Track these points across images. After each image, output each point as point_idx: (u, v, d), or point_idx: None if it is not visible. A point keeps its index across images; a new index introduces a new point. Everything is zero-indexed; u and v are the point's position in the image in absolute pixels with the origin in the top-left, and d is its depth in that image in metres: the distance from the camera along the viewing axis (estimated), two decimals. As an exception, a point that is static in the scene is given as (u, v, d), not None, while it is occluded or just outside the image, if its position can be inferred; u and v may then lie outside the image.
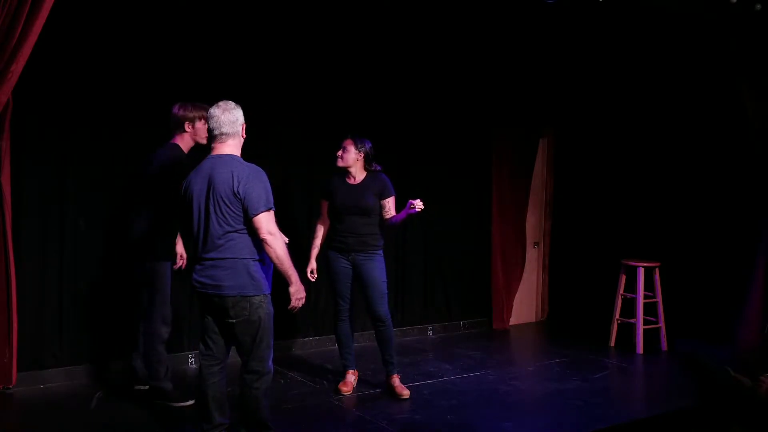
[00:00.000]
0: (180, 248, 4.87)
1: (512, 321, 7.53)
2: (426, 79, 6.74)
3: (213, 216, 3.54)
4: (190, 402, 4.57)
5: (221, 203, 3.52)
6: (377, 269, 4.90)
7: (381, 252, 4.97)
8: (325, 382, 5.25)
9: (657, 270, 6.55)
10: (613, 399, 5.20)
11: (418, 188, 6.35)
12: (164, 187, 4.45)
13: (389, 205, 4.90)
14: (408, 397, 4.92)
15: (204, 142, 4.56)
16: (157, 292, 4.55)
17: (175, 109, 4.60)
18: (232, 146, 3.65)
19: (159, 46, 5.27)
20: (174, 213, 4.44)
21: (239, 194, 3.49)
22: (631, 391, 5.70)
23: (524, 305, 7.78)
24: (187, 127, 4.58)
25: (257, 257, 3.60)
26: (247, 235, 3.57)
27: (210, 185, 3.55)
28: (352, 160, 4.87)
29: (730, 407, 4.05)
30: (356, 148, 4.86)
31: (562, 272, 7.91)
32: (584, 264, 7.58)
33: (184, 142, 4.62)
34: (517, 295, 7.55)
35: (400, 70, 6.55)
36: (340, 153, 4.88)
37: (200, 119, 4.55)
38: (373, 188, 4.88)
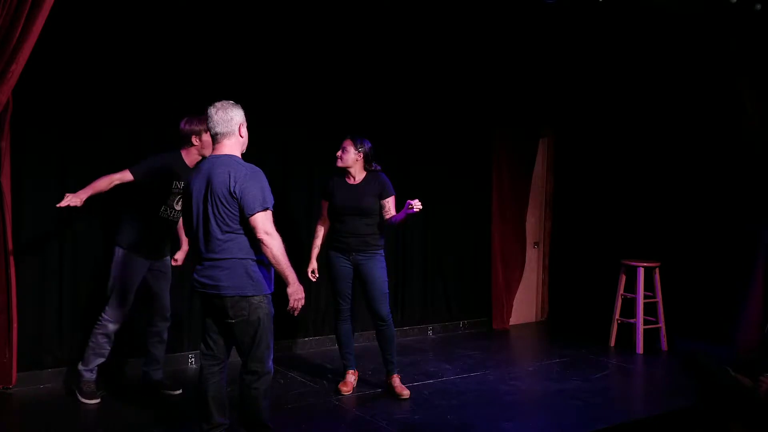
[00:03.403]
0: (179, 254, 4.94)
1: (512, 321, 7.53)
2: (426, 80, 6.74)
3: (211, 217, 3.54)
4: (96, 401, 4.59)
5: (219, 204, 3.52)
6: (378, 269, 4.90)
7: (382, 252, 4.97)
8: (325, 382, 5.25)
9: (657, 270, 6.56)
10: (613, 399, 5.20)
11: (418, 188, 6.35)
12: (147, 187, 4.52)
13: (389, 205, 4.89)
14: (408, 397, 4.92)
15: (206, 155, 4.60)
16: (116, 281, 4.61)
17: (182, 124, 4.62)
18: (229, 146, 3.65)
19: (160, 46, 5.27)
20: (157, 215, 4.58)
21: (236, 194, 3.49)
22: (631, 391, 5.70)
23: (524, 305, 7.79)
24: (195, 140, 4.60)
25: (256, 257, 3.60)
26: (245, 236, 3.57)
27: (208, 186, 3.55)
28: (352, 160, 4.87)
29: (730, 407, 4.05)
30: (355, 148, 4.86)
31: (562, 272, 7.92)
32: (584, 264, 7.59)
33: (190, 156, 4.64)
34: (517, 295, 7.55)
35: (400, 71, 6.55)
36: (339, 153, 4.88)
37: (206, 132, 4.54)
38: (372, 188, 4.88)
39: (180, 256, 4.95)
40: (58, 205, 4.23)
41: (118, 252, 4.63)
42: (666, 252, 6.73)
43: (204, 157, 4.59)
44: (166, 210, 4.62)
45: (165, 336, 4.90)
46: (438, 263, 7.07)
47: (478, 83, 7.04)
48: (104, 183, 4.43)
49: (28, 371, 4.87)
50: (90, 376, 4.65)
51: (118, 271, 4.61)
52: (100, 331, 4.61)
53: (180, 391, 4.86)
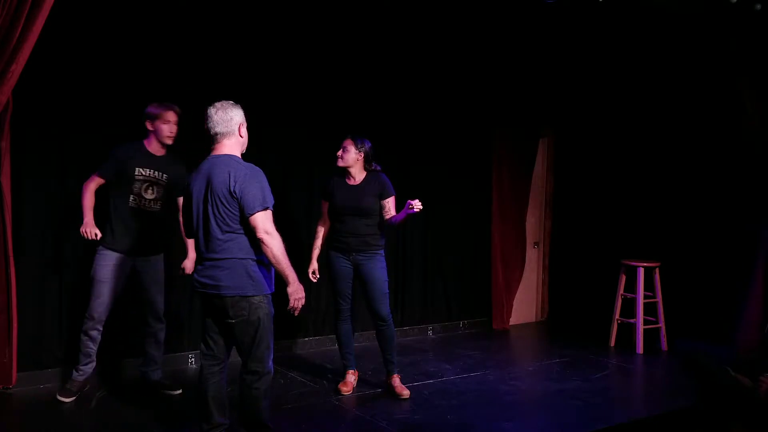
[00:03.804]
0: (187, 262, 4.80)
1: (512, 321, 7.53)
2: (426, 80, 6.75)
3: (212, 217, 3.54)
4: (68, 400, 4.59)
5: (219, 204, 3.52)
6: (378, 269, 4.89)
7: (382, 252, 4.96)
8: (325, 382, 5.25)
9: (657, 270, 6.56)
10: (613, 399, 5.20)
11: (418, 188, 6.35)
12: (114, 181, 4.58)
13: (389, 205, 4.89)
14: (408, 397, 4.92)
15: (167, 141, 4.65)
16: (92, 278, 4.61)
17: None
18: (229, 146, 3.65)
19: (160, 46, 5.27)
20: (127, 206, 4.58)
21: (236, 194, 3.49)
22: (631, 391, 5.70)
23: (524, 305, 7.79)
24: (148, 125, 4.64)
25: (256, 257, 3.60)
26: (245, 235, 3.57)
27: (208, 186, 3.55)
28: (353, 160, 4.86)
29: (730, 407, 4.05)
30: (356, 148, 4.85)
31: (562, 272, 7.92)
32: (584, 264, 7.59)
33: (152, 144, 4.67)
34: (517, 295, 7.55)
35: (400, 71, 6.56)
36: (340, 153, 4.88)
37: (159, 118, 4.60)
38: (372, 189, 4.88)
39: (188, 264, 4.79)
40: (90, 238, 4.44)
41: (97, 249, 4.63)
42: (666, 252, 6.73)
43: (165, 145, 4.67)
44: (136, 199, 4.60)
45: (161, 336, 4.87)
46: (438, 263, 7.07)
47: (478, 83, 7.04)
48: (91, 198, 4.56)
49: (28, 371, 4.87)
50: (75, 375, 4.66)
51: (94, 268, 4.62)
52: (82, 328, 4.63)
53: (180, 391, 4.86)
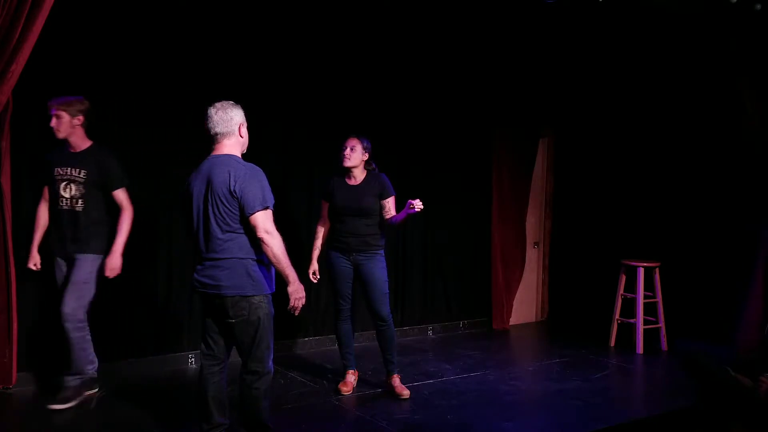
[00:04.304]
0: (110, 259, 4.57)
1: (512, 321, 7.53)
2: (426, 80, 6.74)
3: (212, 216, 3.54)
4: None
5: (219, 203, 3.52)
6: (378, 269, 4.89)
7: (382, 252, 4.96)
8: (325, 382, 5.25)
9: (657, 270, 6.56)
10: (613, 399, 5.19)
11: (418, 188, 6.35)
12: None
13: (389, 205, 4.89)
14: (408, 397, 4.92)
15: (57, 136, 4.51)
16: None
17: None
18: (229, 146, 3.65)
19: (160, 46, 5.27)
20: (55, 205, 4.54)
21: (236, 193, 3.49)
22: (631, 391, 5.70)
23: (524, 305, 7.79)
24: None
25: (257, 257, 3.60)
26: (245, 235, 3.57)
27: (208, 186, 3.55)
28: (359, 159, 4.86)
29: (730, 407, 4.05)
30: (362, 146, 4.86)
31: (562, 272, 7.92)
32: (584, 264, 7.59)
33: (70, 142, 4.58)
34: (517, 295, 7.55)
35: (400, 71, 6.55)
36: (347, 152, 4.85)
37: (54, 114, 4.48)
38: (373, 189, 4.87)
39: (109, 262, 4.54)
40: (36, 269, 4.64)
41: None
42: (666, 252, 6.73)
43: (89, 145, 4.57)
44: (59, 199, 4.53)
45: (70, 337, 4.53)
46: (438, 263, 7.07)
47: (478, 83, 7.03)
48: (41, 216, 4.61)
49: (28, 371, 4.87)
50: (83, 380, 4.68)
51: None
52: None
53: (96, 390, 4.65)
